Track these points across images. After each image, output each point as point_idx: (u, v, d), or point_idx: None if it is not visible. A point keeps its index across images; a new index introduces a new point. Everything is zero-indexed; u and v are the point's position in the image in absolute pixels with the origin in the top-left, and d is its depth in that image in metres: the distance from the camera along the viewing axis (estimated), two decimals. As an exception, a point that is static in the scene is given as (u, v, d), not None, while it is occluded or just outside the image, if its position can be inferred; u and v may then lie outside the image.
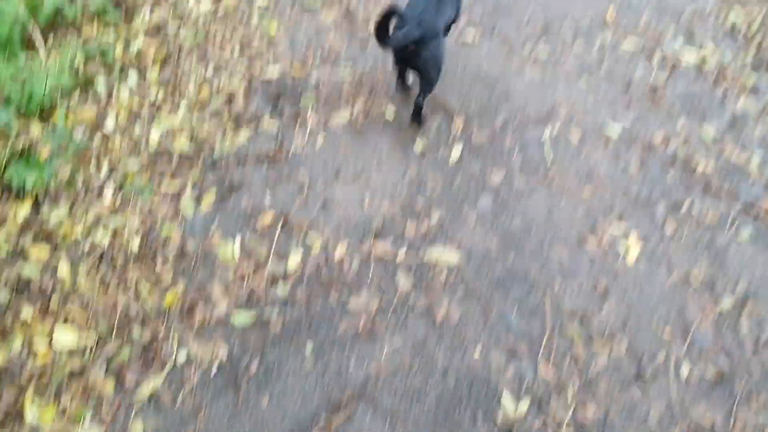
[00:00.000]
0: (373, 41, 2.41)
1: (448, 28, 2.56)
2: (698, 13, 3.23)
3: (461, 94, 2.65)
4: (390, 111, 2.55)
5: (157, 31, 2.89)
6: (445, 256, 2.07)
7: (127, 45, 2.78)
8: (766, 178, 2.37)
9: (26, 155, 2.20)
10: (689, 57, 2.94)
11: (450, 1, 2.41)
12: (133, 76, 2.63)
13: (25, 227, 2.05)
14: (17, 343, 1.76)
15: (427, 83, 2.38)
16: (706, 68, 2.90)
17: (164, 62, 2.72)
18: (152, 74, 2.65)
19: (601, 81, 2.78)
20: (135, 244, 2.03)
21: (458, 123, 2.52)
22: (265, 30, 2.96)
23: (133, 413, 1.66)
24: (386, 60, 2.74)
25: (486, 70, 2.79)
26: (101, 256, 1.99)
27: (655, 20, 3.17)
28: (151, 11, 2.99)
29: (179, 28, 2.92)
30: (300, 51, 2.85)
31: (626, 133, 2.53)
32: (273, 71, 2.72)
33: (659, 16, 3.20)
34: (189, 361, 1.77)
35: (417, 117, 2.48)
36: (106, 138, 2.37)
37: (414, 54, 2.24)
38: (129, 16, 2.97)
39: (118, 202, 2.16)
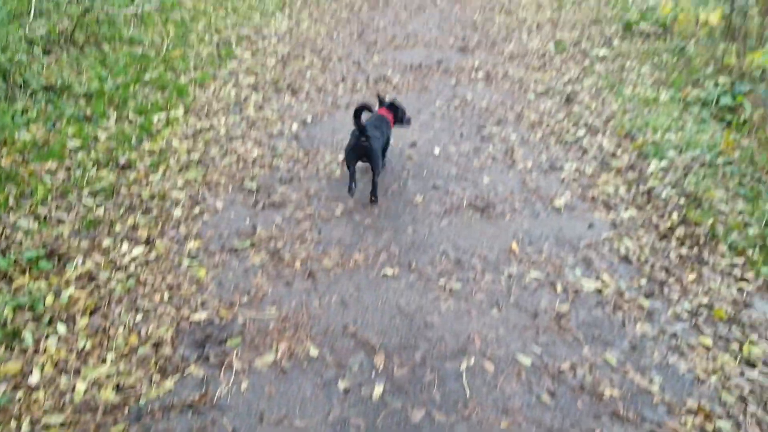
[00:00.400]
0: (298, 281, 3.13)
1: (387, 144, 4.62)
2: (594, 243, 4.04)
3: (382, 329, 3.23)
4: (314, 351, 3.10)
5: (88, 279, 3.42)
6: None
7: (57, 294, 3.29)
8: (668, 399, 2.97)
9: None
10: (589, 285, 3.66)
11: (385, 127, 4.52)
12: (61, 326, 3.11)
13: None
14: None
15: (376, 167, 4.23)
16: (604, 295, 3.60)
17: (94, 311, 3.19)
18: (81, 324, 3.12)
19: (510, 311, 3.44)
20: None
21: (379, 359, 3.05)
22: (194, 273, 3.57)
23: None
24: (310, 302, 3.39)
25: (405, 304, 3.42)
26: None
27: (555, 251, 3.94)
28: (84, 260, 3.58)
29: (110, 275, 3.49)
30: (228, 293, 3.43)
31: (537, 361, 3.09)
32: (201, 315, 3.26)
33: (559, 248, 3.96)
34: None
35: (375, 192, 4.28)
36: (29, 392, 2.77)
37: (367, 149, 4.08)
38: (61, 264, 3.55)
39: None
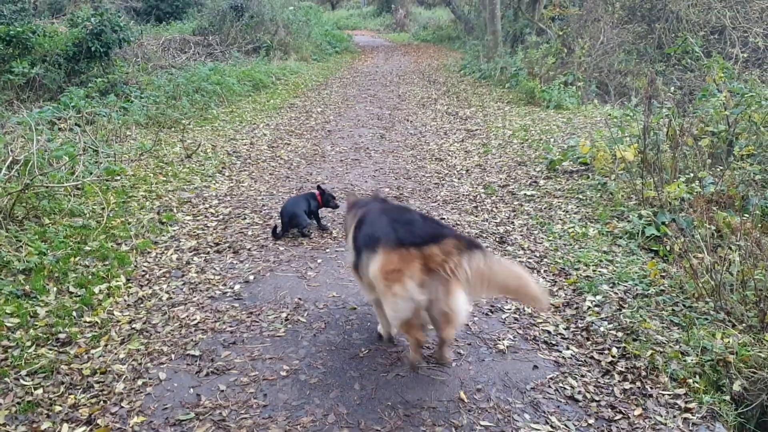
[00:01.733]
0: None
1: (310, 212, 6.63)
2: (540, 385, 4.07)
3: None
4: None
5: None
6: None
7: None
8: None
9: None
10: (539, 430, 3.72)
11: (311, 200, 6.65)
12: None
13: None
14: None
15: (301, 228, 6.43)
16: (555, 437, 3.67)
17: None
18: None
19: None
20: None
21: None
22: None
23: None
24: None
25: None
26: None
27: (503, 397, 3.93)
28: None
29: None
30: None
31: None
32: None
33: (506, 393, 3.95)
34: None
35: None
36: None
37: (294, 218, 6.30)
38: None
39: None
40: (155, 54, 16.92)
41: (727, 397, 3.94)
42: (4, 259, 5.42)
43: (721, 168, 7.25)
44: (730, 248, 5.26)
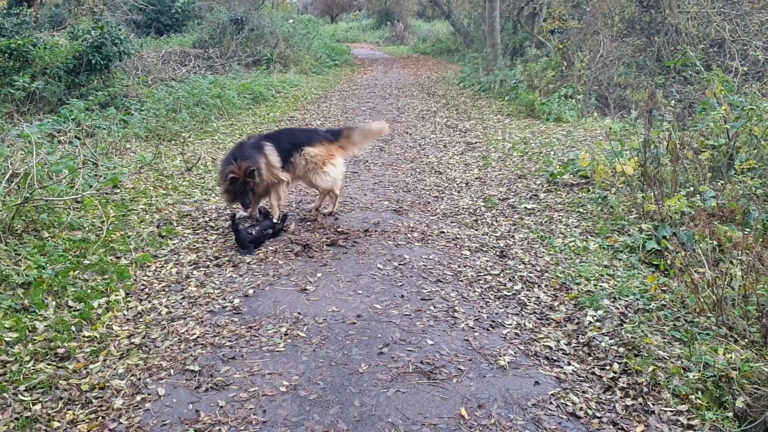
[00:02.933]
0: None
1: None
2: (541, 401, 4.05)
3: None
4: None
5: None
6: None
7: None
8: None
9: None
10: (540, 446, 3.71)
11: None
12: None
13: None
14: None
15: None
16: (557, 454, 3.65)
17: None
18: None
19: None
20: None
21: None
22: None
23: None
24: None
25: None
26: None
27: (504, 414, 3.92)
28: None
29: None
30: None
31: None
32: None
33: (507, 409, 3.94)
34: None
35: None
36: None
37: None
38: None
39: None
40: (155, 67, 16.97)
41: (730, 414, 3.92)
42: (3, 272, 5.41)
43: (722, 182, 7.25)
44: (731, 263, 5.26)
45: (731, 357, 4.28)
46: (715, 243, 5.70)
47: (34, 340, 4.66)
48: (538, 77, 16.14)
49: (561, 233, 7.08)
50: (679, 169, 7.43)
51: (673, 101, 10.51)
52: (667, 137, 7.99)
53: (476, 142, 12.18)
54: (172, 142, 11.43)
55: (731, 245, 5.70)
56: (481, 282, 5.89)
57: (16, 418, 3.80)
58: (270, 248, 6.59)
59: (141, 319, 5.10)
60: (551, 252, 6.55)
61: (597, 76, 15.90)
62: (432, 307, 5.35)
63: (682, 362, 4.40)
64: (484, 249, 6.70)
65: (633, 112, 11.55)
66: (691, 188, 7.06)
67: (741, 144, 7.85)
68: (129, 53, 14.43)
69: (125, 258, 6.17)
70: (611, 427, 3.82)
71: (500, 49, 21.08)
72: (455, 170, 10.12)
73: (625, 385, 4.22)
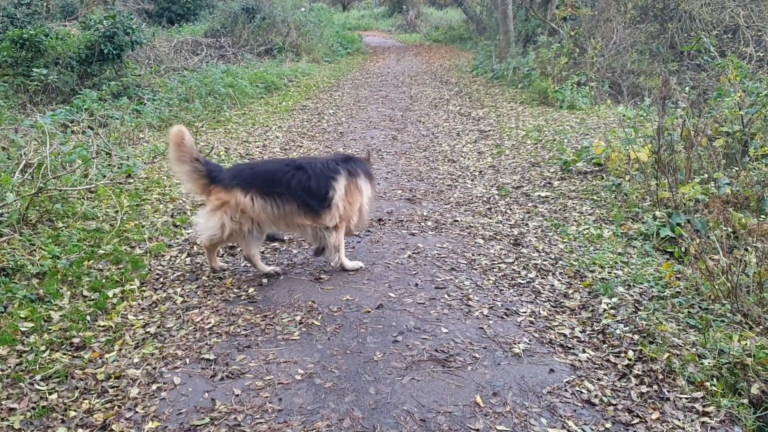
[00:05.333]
0: None
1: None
2: (556, 388, 4.05)
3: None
4: None
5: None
6: None
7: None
8: None
9: None
10: (556, 434, 3.70)
11: None
12: None
13: None
14: None
15: None
16: (572, 443, 3.64)
17: None
18: None
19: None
20: None
21: None
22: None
23: None
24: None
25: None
26: None
27: (519, 401, 3.92)
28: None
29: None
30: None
31: None
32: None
33: (522, 397, 3.94)
34: None
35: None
36: None
37: None
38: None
39: None
40: (167, 56, 16.98)
41: (746, 401, 3.90)
42: (18, 262, 5.45)
43: (737, 168, 7.19)
44: (746, 249, 5.21)
45: (746, 344, 4.26)
46: (730, 230, 5.66)
47: (50, 329, 4.69)
48: (551, 64, 16.03)
49: (575, 221, 7.04)
50: (693, 156, 7.37)
51: (686, 88, 10.40)
52: (681, 124, 7.92)
53: (489, 130, 12.13)
54: (185, 131, 11.44)
55: (746, 232, 5.65)
56: (495, 270, 5.87)
57: (33, 408, 3.83)
58: (286, 238, 6.59)
59: (156, 309, 5.12)
60: (565, 240, 6.51)
61: (610, 63, 15.75)
62: (446, 296, 5.34)
63: (697, 349, 4.37)
64: (498, 237, 6.68)
65: (647, 99, 11.45)
66: (706, 175, 7.01)
67: (756, 130, 7.77)
68: (141, 43, 14.44)
69: (140, 247, 6.19)
70: (626, 414, 3.81)
71: (513, 37, 20.94)
72: (468, 158, 10.08)
73: (640, 373, 4.20)
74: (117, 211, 6.89)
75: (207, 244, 5.63)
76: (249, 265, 5.78)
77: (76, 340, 4.57)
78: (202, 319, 4.92)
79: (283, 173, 5.47)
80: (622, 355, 4.43)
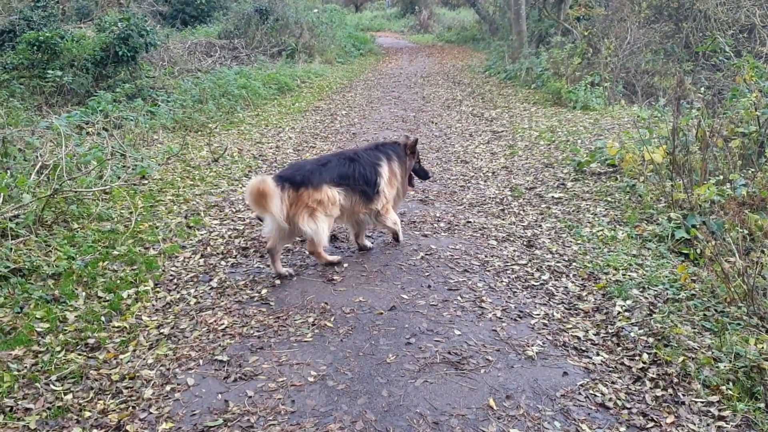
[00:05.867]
0: None
1: None
2: (570, 391, 4.01)
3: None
4: None
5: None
6: None
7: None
8: None
9: None
10: (570, 438, 3.67)
11: None
12: None
13: None
14: None
15: None
16: (586, 447, 3.61)
17: None
18: None
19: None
20: None
21: None
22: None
23: None
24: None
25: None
26: None
27: (532, 404, 3.88)
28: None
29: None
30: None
31: None
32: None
33: (536, 400, 3.92)
34: None
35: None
36: None
37: None
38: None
39: None
40: (181, 58, 17.06)
41: (762, 405, 3.85)
42: (34, 263, 5.49)
43: (753, 170, 7.11)
44: (762, 252, 5.16)
45: (763, 347, 4.21)
46: (746, 232, 5.60)
47: (65, 330, 4.72)
48: (564, 65, 15.95)
49: (589, 222, 7.00)
50: (708, 157, 7.30)
51: (702, 88, 10.32)
52: (696, 125, 7.86)
53: (502, 131, 12.09)
54: (199, 132, 11.51)
55: (762, 234, 5.59)
56: (508, 272, 5.85)
57: (49, 408, 3.86)
58: (298, 239, 6.60)
59: (170, 310, 5.14)
60: (579, 241, 6.48)
61: (624, 63, 15.65)
62: (459, 298, 5.33)
63: (712, 353, 4.34)
64: (511, 239, 6.65)
65: (661, 100, 11.37)
66: (721, 176, 6.94)
67: (772, 131, 7.68)
68: (155, 44, 14.52)
69: (153, 249, 6.22)
70: (641, 417, 3.78)
71: (526, 37, 20.88)
72: (481, 159, 10.05)
73: (654, 376, 4.17)
74: (131, 213, 6.93)
75: (325, 245, 5.84)
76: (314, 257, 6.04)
77: (91, 341, 4.60)
78: (215, 321, 4.94)
79: (346, 166, 5.86)
80: (637, 358, 4.39)
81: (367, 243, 6.43)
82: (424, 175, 6.72)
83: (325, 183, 5.62)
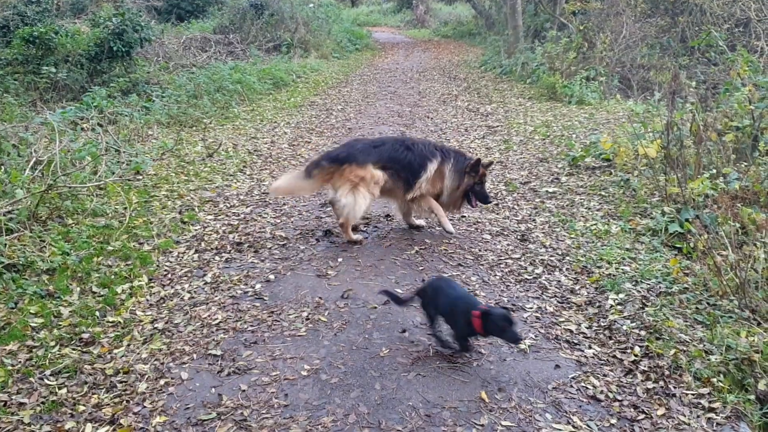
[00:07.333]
0: None
1: None
2: (561, 384, 4.04)
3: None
4: None
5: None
6: None
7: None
8: None
9: None
10: (560, 430, 3.68)
11: None
12: None
13: None
14: None
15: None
16: (577, 438, 3.65)
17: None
18: None
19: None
20: None
21: None
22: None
23: None
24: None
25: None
26: None
27: (524, 397, 3.91)
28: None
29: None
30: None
31: None
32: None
33: (528, 392, 3.95)
34: None
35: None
36: None
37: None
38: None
39: None
40: (176, 53, 17.04)
41: (752, 397, 3.88)
42: (28, 259, 5.51)
43: (746, 163, 7.15)
44: (755, 245, 5.19)
45: (754, 340, 4.25)
46: (739, 225, 5.63)
47: (59, 325, 4.74)
48: (560, 59, 15.97)
49: (582, 216, 7.03)
50: (702, 151, 7.33)
51: (696, 82, 10.35)
52: (690, 119, 7.89)
53: (498, 126, 12.11)
54: (194, 128, 11.51)
55: (755, 228, 5.62)
56: (501, 266, 5.88)
57: (43, 402, 3.88)
58: (293, 234, 6.62)
59: (164, 305, 5.16)
60: (572, 235, 6.51)
61: (620, 57, 15.67)
62: (452, 292, 5.34)
63: (704, 345, 4.37)
64: (505, 233, 6.68)
65: (656, 94, 11.40)
66: (715, 170, 6.97)
67: (766, 125, 7.71)
68: (150, 40, 14.51)
69: (148, 244, 6.24)
70: (632, 410, 3.81)
71: (522, 32, 20.87)
72: (477, 154, 10.06)
73: (646, 369, 4.20)
74: (126, 208, 6.94)
75: (356, 220, 6.34)
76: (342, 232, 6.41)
77: (85, 336, 4.62)
78: (209, 315, 4.96)
79: (399, 152, 6.26)
80: (629, 351, 4.43)
81: (420, 222, 6.80)
82: (483, 199, 6.58)
83: (370, 162, 6.08)
